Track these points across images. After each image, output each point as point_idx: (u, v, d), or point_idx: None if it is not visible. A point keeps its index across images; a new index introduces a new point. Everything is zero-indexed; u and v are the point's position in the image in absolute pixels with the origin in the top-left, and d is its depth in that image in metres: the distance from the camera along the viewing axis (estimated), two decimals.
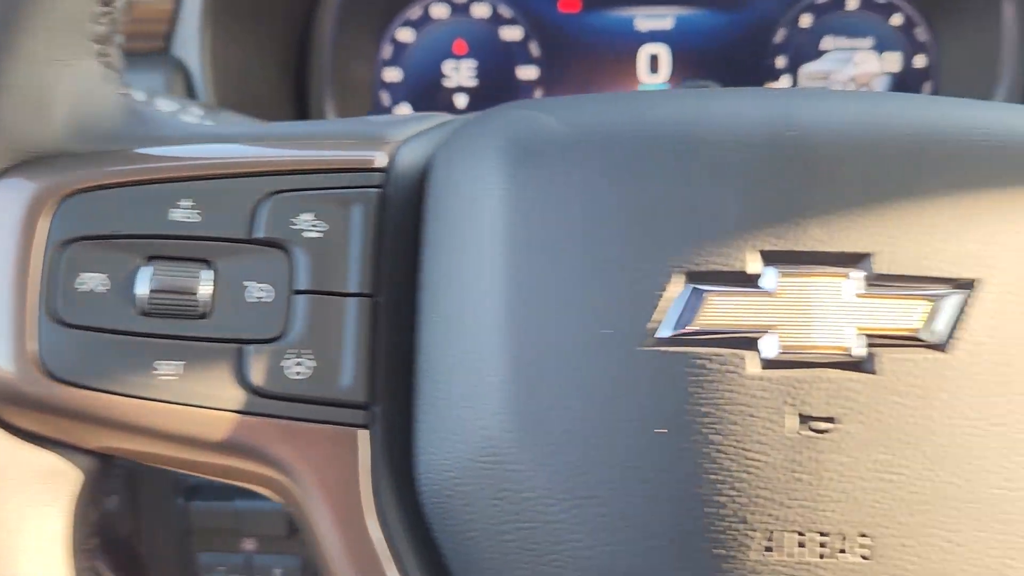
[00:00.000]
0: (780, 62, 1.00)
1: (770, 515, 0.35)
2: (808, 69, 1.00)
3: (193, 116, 0.62)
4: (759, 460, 0.35)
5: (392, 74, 1.01)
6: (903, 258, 0.36)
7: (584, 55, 1.01)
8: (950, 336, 0.36)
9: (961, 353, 0.35)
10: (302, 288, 0.39)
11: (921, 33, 0.99)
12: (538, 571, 0.37)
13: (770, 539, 0.35)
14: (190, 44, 0.74)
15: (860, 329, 0.35)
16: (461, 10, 1.01)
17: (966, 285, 0.36)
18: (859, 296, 0.36)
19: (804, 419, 0.35)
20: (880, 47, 0.99)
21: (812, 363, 0.35)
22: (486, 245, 0.38)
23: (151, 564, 0.82)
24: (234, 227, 0.39)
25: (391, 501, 0.39)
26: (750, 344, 0.36)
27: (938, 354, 0.35)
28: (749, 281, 0.36)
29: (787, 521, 0.35)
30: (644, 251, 0.36)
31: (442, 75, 1.01)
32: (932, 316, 0.36)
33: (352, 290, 0.39)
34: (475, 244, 0.38)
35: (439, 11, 1.01)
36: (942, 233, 0.36)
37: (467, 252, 0.38)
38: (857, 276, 0.36)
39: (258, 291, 0.39)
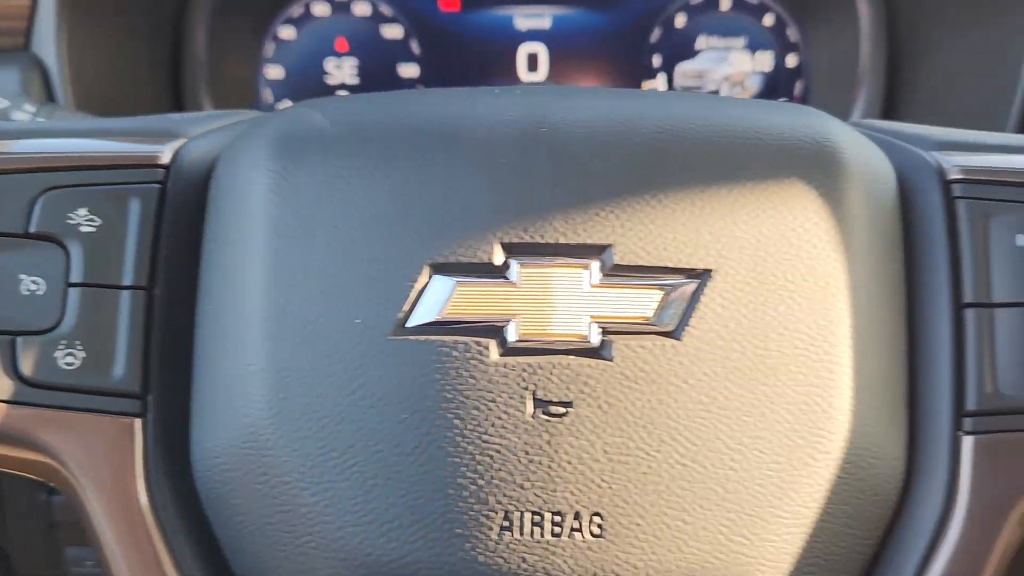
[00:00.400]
0: (656, 61, 1.02)
1: (507, 496, 0.37)
2: (683, 68, 1.02)
3: (25, 114, 0.63)
4: (498, 443, 0.37)
5: (274, 71, 1.02)
6: (640, 250, 0.38)
7: (465, 53, 1.02)
8: (682, 324, 0.37)
9: (692, 340, 0.37)
10: (75, 281, 0.40)
11: (792, 33, 1.01)
12: (297, 554, 0.38)
13: (507, 519, 0.37)
14: (47, 41, 0.74)
15: (595, 317, 0.37)
16: (342, 8, 1.01)
17: (699, 275, 0.38)
18: (597, 286, 0.37)
19: (541, 404, 0.37)
20: (752, 47, 1.01)
21: (550, 350, 0.37)
22: (251, 237, 0.39)
23: (17, 558, 0.82)
24: (9, 222, 0.40)
25: (166, 488, 0.40)
26: (494, 333, 0.37)
27: (670, 341, 0.37)
28: (495, 272, 0.38)
29: (524, 502, 0.37)
30: (396, 243, 0.38)
31: (325, 73, 1.02)
32: (665, 305, 0.37)
33: (126, 283, 0.40)
34: (242, 236, 0.39)
35: (320, 9, 1.01)
36: (678, 226, 0.38)
37: (236, 244, 0.40)
38: (596, 267, 0.38)
39: (31, 284, 0.40)
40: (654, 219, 0.38)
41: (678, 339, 0.37)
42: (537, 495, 0.37)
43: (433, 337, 0.37)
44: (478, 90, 0.44)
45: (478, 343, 0.37)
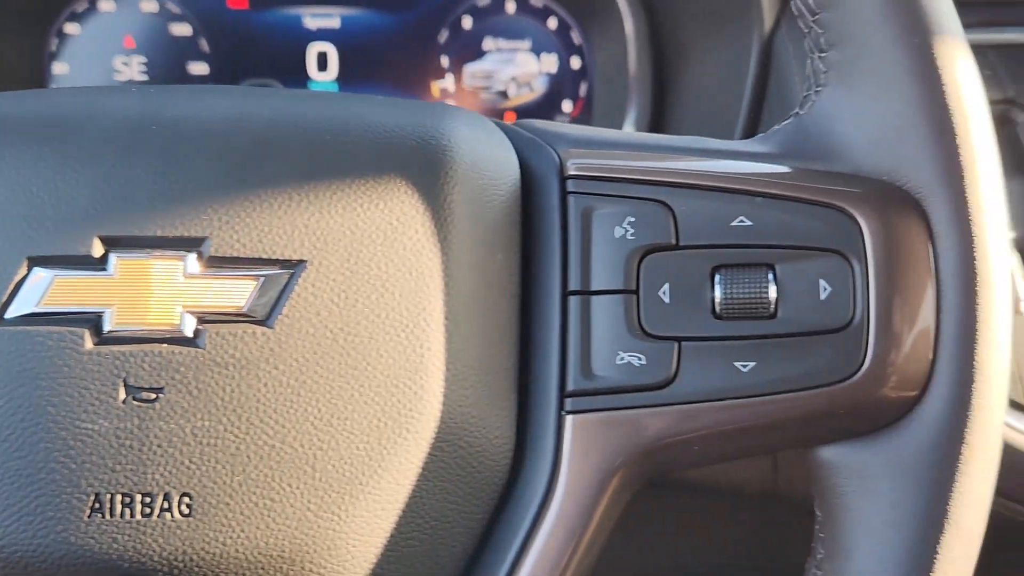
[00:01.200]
0: (444, 62, 1.04)
1: (98, 479, 0.38)
2: (471, 69, 1.04)
3: None
4: (90, 428, 0.38)
5: (60, 68, 1.01)
6: (236, 242, 0.40)
7: (254, 52, 1.03)
8: (274, 313, 0.39)
9: (284, 328, 0.39)
10: None
11: (576, 36, 1.05)
12: None
13: (98, 501, 0.38)
14: None
15: (188, 307, 0.39)
16: (129, 4, 1.01)
17: (293, 266, 0.40)
18: (192, 277, 0.39)
19: (133, 390, 0.38)
20: (537, 49, 1.05)
21: (143, 339, 0.39)
22: None
23: None
24: None
25: None
26: (89, 323, 0.39)
27: (261, 329, 0.39)
28: (94, 265, 0.39)
29: (114, 484, 0.38)
30: None
31: (114, 70, 1.02)
32: (258, 294, 0.39)
33: None
34: None
35: (106, 5, 1.01)
36: (275, 219, 0.40)
37: None
38: (193, 259, 0.39)
39: None
40: (252, 212, 0.40)
41: (270, 327, 0.39)
42: (127, 477, 0.38)
43: (29, 328, 0.38)
44: (109, 88, 0.45)
45: (72, 333, 0.38)
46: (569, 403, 0.43)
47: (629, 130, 1.02)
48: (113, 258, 0.39)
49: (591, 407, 0.43)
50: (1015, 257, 0.72)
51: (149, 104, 0.42)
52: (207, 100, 0.43)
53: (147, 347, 0.39)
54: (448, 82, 1.05)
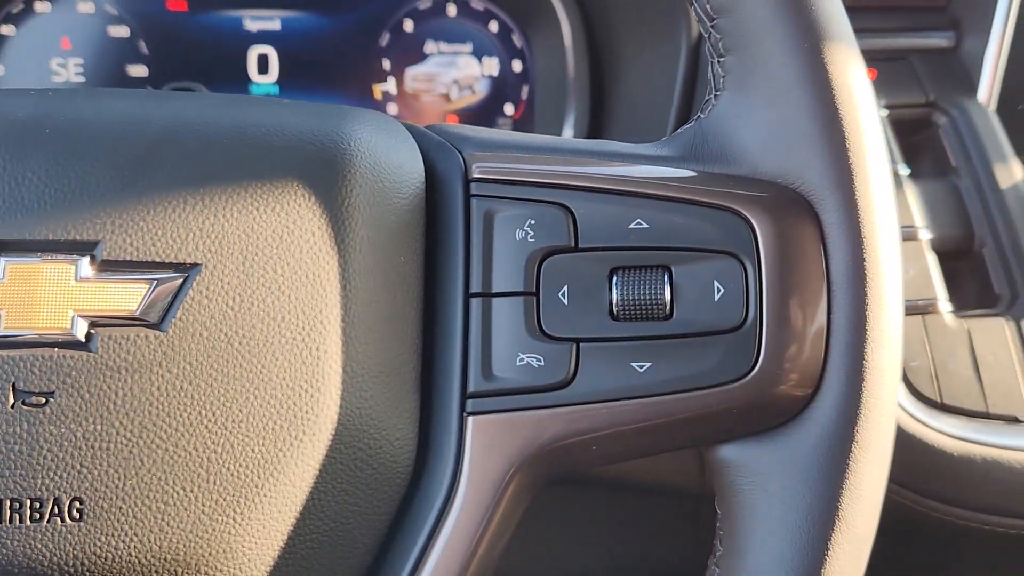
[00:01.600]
0: (386, 64, 1.04)
1: None
2: (413, 71, 1.05)
3: None
4: None
5: None
6: (130, 245, 0.39)
7: (194, 54, 1.02)
8: (167, 316, 0.39)
9: (178, 331, 0.39)
10: None
11: (517, 39, 1.05)
12: None
13: None
14: None
15: (79, 311, 0.39)
16: (66, 5, 1.00)
17: (186, 269, 0.40)
18: (84, 280, 0.39)
19: (22, 394, 0.38)
20: (479, 52, 1.05)
21: (33, 343, 0.38)
22: None
23: None
24: None
25: None
26: None
27: (154, 332, 0.39)
28: None
29: (4, 490, 0.38)
30: None
31: (51, 71, 1.01)
32: (151, 298, 0.39)
33: None
34: None
35: (42, 6, 1.00)
36: (169, 222, 0.40)
37: None
38: (85, 263, 0.39)
39: None
40: (146, 215, 0.40)
41: (163, 331, 0.39)
42: (16, 483, 0.38)
43: None
44: (6, 90, 0.45)
45: None
46: (471, 404, 0.43)
47: (568, 133, 1.02)
48: (2, 262, 0.39)
49: (492, 408, 0.43)
50: (932, 258, 0.74)
51: (44, 106, 0.42)
52: (103, 103, 0.43)
53: (37, 351, 0.38)
54: (390, 85, 1.05)
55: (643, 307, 0.42)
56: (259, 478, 0.40)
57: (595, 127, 1.00)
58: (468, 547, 0.43)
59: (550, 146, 0.47)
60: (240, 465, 0.40)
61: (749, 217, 0.42)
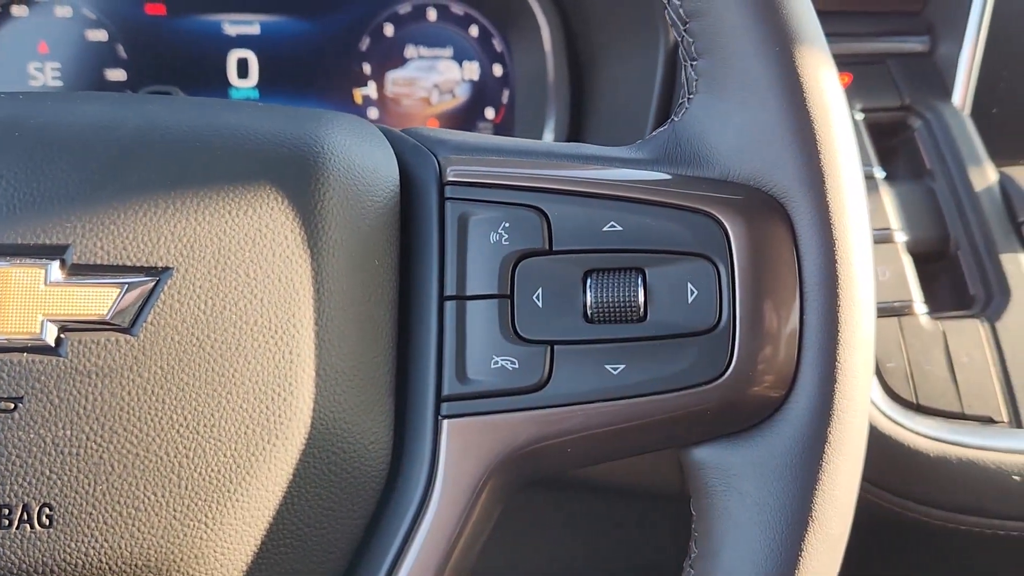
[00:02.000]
0: (366, 69, 1.04)
1: None
2: (394, 76, 1.05)
3: None
4: None
5: None
6: (100, 249, 0.39)
7: (173, 58, 1.02)
8: (138, 321, 0.39)
9: (149, 336, 0.39)
10: None
11: (498, 44, 1.06)
12: None
13: None
14: None
15: (49, 315, 0.39)
16: (43, 9, 1.00)
17: (158, 272, 0.40)
18: (54, 284, 0.39)
19: None
20: (460, 56, 1.05)
21: (2, 348, 0.38)
22: None
23: None
24: None
25: None
26: None
27: (125, 337, 0.39)
28: None
29: None
30: None
31: (28, 76, 1.00)
32: (121, 302, 0.39)
33: None
34: None
35: (19, 9, 1.00)
36: (140, 226, 0.40)
37: None
38: (55, 267, 0.39)
39: None
40: (117, 219, 0.39)
41: (134, 335, 0.39)
42: None
43: None
44: None
45: None
46: (445, 407, 0.43)
47: (548, 137, 1.02)
48: None
49: (466, 411, 0.43)
50: (907, 260, 0.74)
51: (15, 110, 0.41)
52: (75, 107, 0.42)
53: (6, 356, 0.38)
54: (370, 89, 1.05)
55: (617, 309, 0.42)
56: (231, 482, 0.40)
57: (575, 131, 1.01)
58: (444, 550, 0.43)
59: (524, 149, 0.48)
60: (212, 469, 0.39)
61: (722, 219, 0.42)
